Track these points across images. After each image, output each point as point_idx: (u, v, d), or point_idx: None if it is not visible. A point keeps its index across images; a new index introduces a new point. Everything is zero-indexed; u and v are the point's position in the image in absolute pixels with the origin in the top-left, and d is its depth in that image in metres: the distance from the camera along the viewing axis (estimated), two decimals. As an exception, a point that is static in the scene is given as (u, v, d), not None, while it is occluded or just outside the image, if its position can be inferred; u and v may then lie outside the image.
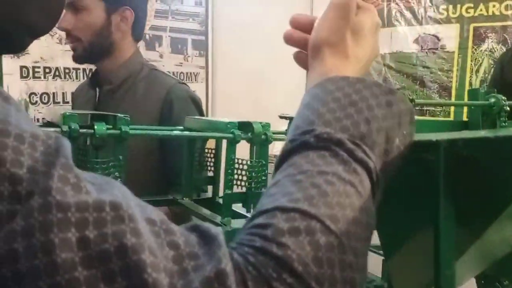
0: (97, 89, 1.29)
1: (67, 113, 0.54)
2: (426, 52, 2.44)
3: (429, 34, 2.43)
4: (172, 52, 3.04)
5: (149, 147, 1.19)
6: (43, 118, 0.65)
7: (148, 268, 0.28)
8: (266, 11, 2.96)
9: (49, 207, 0.29)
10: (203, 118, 0.83)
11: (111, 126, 0.59)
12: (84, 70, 2.38)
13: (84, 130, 0.55)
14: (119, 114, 0.60)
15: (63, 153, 0.32)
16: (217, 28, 3.28)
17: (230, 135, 0.65)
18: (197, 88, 3.27)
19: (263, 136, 0.68)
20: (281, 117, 0.62)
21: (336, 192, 0.35)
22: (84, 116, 0.59)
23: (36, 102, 2.27)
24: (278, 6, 2.89)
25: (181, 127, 0.79)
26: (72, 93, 1.53)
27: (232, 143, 0.66)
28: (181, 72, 3.13)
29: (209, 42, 3.28)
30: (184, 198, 0.79)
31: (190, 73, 3.20)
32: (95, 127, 0.56)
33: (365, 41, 0.47)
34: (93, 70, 1.34)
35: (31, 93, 2.25)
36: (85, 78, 2.36)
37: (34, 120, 2.27)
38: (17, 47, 0.52)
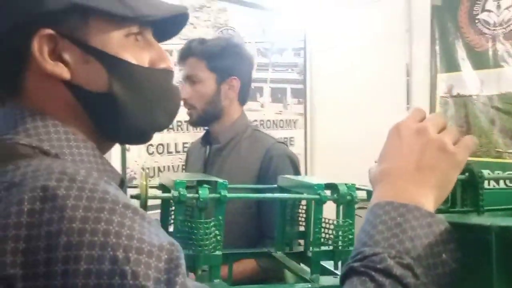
0: (208, 146, 1.46)
1: (177, 180, 0.65)
2: (539, 93, 2.27)
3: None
4: (272, 101, 3.21)
5: (248, 203, 1.29)
6: (160, 183, 0.77)
7: None
8: (362, 60, 3.00)
9: None
10: (295, 177, 0.90)
11: (213, 189, 0.69)
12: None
13: (191, 195, 0.66)
14: (220, 180, 0.69)
15: (181, 271, 0.43)
16: (315, 76, 3.40)
17: (317, 197, 0.71)
18: (296, 134, 3.39)
19: (348, 197, 0.72)
20: (357, 188, 0.66)
21: None
22: (190, 182, 0.70)
23: (153, 152, 2.55)
24: (373, 55, 2.92)
25: (274, 186, 0.87)
26: (187, 149, 1.73)
27: (319, 204, 0.72)
28: (281, 120, 3.28)
29: (307, 90, 3.40)
30: (277, 252, 0.86)
31: (289, 120, 3.34)
32: (200, 192, 0.66)
33: (442, 172, 0.50)
34: (205, 130, 1.51)
35: (149, 145, 2.53)
36: (194, 129, 2.60)
37: (151, 169, 2.53)
38: (146, 140, 0.65)
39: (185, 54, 1.41)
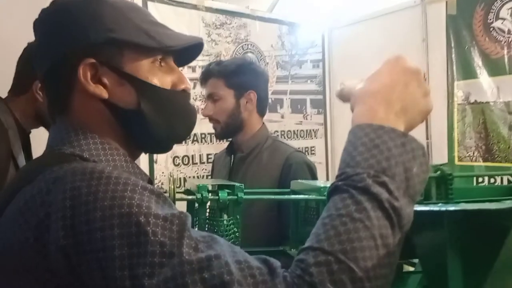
0: (232, 156, 1.61)
1: (200, 185, 0.76)
2: (556, 98, 2.29)
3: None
4: (292, 112, 3.30)
5: (270, 206, 1.39)
6: (185, 189, 0.88)
7: (235, 283, 0.49)
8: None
9: (183, 263, 0.51)
10: (306, 181, 0.99)
11: (231, 192, 0.79)
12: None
13: (212, 197, 0.76)
14: (237, 184, 0.79)
15: (187, 226, 0.55)
16: (334, 87, 3.47)
17: (324, 197, 0.80)
18: (317, 144, 3.46)
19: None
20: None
21: (346, 231, 0.50)
22: (213, 185, 0.80)
23: (179, 164, 2.67)
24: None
25: (288, 190, 0.96)
26: (213, 159, 1.87)
27: (325, 204, 0.80)
28: (301, 130, 3.36)
29: (327, 100, 3.48)
30: (291, 249, 0.95)
31: (310, 130, 3.42)
32: (220, 194, 0.76)
33: (410, 101, 0.59)
34: (230, 141, 1.64)
35: (175, 156, 2.66)
36: (217, 141, 2.72)
37: (177, 179, 2.66)
38: (167, 150, 0.78)
39: (206, 76, 1.56)
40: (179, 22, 2.68)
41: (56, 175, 0.58)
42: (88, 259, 0.53)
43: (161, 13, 2.60)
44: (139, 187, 0.56)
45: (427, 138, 2.88)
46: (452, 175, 0.58)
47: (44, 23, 0.71)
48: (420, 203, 0.57)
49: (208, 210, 0.82)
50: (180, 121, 0.74)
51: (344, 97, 0.65)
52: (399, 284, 0.68)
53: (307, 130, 3.41)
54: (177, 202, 0.77)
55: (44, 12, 0.72)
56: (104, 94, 0.68)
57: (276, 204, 1.39)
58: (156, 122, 0.70)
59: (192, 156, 2.74)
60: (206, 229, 0.78)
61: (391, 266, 0.50)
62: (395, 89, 0.59)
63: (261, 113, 1.60)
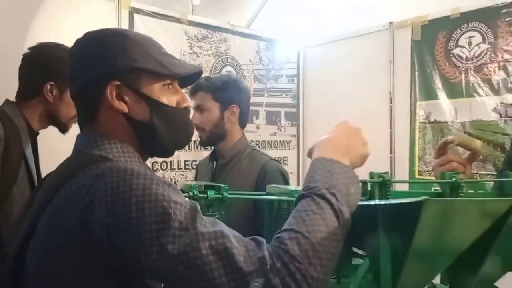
0: (214, 162, 1.79)
1: (191, 185, 0.90)
2: (505, 120, 2.54)
3: (508, 104, 2.54)
4: (267, 124, 3.47)
5: (247, 206, 1.55)
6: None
7: (236, 253, 0.67)
8: (350, 87, 3.27)
9: (197, 234, 0.69)
10: (279, 185, 1.15)
11: (217, 192, 0.94)
12: (194, 141, 2.86)
13: (201, 195, 0.91)
14: (222, 185, 0.94)
15: (198, 209, 0.72)
16: (307, 101, 3.67)
17: (293, 199, 0.96)
18: (289, 154, 3.64)
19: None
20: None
21: (309, 220, 0.70)
22: (200, 186, 0.95)
23: (157, 169, 2.79)
24: (360, 83, 3.20)
25: (263, 193, 1.11)
26: (197, 165, 2.07)
27: (295, 205, 0.96)
28: (275, 141, 3.53)
29: (300, 113, 3.67)
30: (265, 244, 1.10)
31: (283, 141, 3.59)
32: (208, 193, 0.91)
33: (352, 147, 0.81)
34: (212, 149, 1.81)
35: (154, 162, 2.77)
36: (195, 149, 2.86)
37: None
38: (170, 155, 0.96)
39: (195, 89, 1.74)
40: (163, 34, 2.81)
41: (96, 172, 0.74)
42: (125, 233, 0.69)
43: (146, 25, 2.74)
44: (160, 181, 0.73)
45: (391, 153, 3.10)
46: (390, 180, 0.75)
47: (80, 51, 0.88)
48: (364, 201, 0.74)
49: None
50: (182, 132, 0.92)
51: (310, 153, 0.86)
52: (351, 272, 0.85)
53: (280, 141, 3.58)
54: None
55: (79, 41, 0.89)
56: (125, 109, 0.85)
57: (253, 206, 1.54)
58: (164, 133, 0.87)
59: (171, 162, 2.86)
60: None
61: (337, 249, 0.70)
62: (342, 139, 0.82)
63: (242, 125, 1.79)
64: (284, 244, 0.68)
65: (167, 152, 0.95)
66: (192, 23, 2.97)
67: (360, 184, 0.78)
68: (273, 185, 1.13)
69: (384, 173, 0.80)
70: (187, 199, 0.74)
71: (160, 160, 2.80)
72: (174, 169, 2.85)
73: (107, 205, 0.69)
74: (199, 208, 0.74)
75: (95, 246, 0.70)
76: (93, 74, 0.84)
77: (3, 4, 2.26)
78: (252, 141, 3.31)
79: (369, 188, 0.83)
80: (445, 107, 2.81)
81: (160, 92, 0.87)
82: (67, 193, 0.74)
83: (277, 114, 3.55)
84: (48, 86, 1.43)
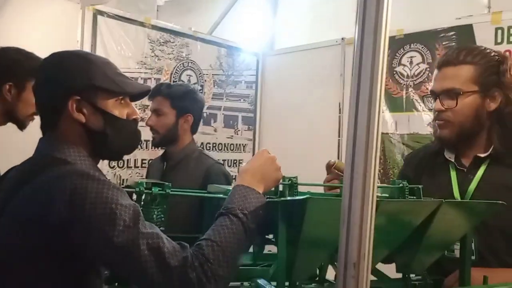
0: (165, 163, 1.95)
1: (139, 181, 1.04)
2: (438, 134, 2.81)
3: (441, 119, 2.81)
4: (224, 127, 3.62)
5: (193, 204, 1.70)
6: (126, 185, 1.19)
7: (166, 252, 0.86)
8: (303, 96, 3.47)
9: (138, 233, 0.86)
10: (219, 185, 1.30)
11: (161, 188, 1.08)
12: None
13: (146, 191, 1.05)
14: (166, 183, 1.09)
15: (140, 212, 0.87)
16: (264, 107, 3.85)
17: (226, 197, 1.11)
18: (244, 157, 3.80)
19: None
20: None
21: (223, 233, 0.91)
22: (148, 183, 1.09)
23: (114, 166, 2.88)
24: (313, 93, 3.41)
25: (205, 191, 1.27)
26: (149, 164, 2.19)
27: (229, 202, 1.12)
28: (232, 144, 3.69)
29: (257, 118, 3.84)
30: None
31: (240, 144, 3.75)
32: (152, 189, 1.05)
33: (266, 175, 1.01)
34: (164, 150, 1.96)
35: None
36: (152, 148, 2.98)
37: (113, 180, 2.87)
38: (119, 159, 1.13)
39: (155, 93, 1.89)
40: (126, 37, 2.92)
41: (58, 174, 0.89)
42: (79, 227, 0.86)
43: (109, 28, 2.83)
44: (111, 186, 0.89)
45: (338, 159, 3.31)
46: (296, 183, 0.93)
47: (48, 68, 1.03)
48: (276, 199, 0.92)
49: (142, 202, 1.11)
50: (129, 140, 1.10)
51: None
52: (272, 259, 1.02)
53: (237, 144, 3.73)
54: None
55: (46, 61, 1.04)
56: (83, 119, 1.01)
57: (198, 204, 1.69)
58: (114, 140, 1.03)
59: (128, 160, 2.95)
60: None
61: (241, 252, 0.94)
62: (257, 169, 1.02)
63: (193, 132, 1.98)
64: (202, 249, 0.88)
65: (116, 157, 1.14)
66: (155, 27, 3.09)
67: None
68: (214, 185, 1.29)
69: (293, 177, 0.97)
70: (132, 202, 0.89)
71: (124, 158, 2.90)
72: (131, 167, 2.95)
73: (66, 203, 0.85)
74: (141, 211, 0.90)
75: (51, 233, 0.85)
76: (57, 89, 0.99)
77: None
78: (209, 143, 3.46)
79: (280, 188, 1.01)
80: (387, 119, 3.05)
81: (113, 106, 1.03)
82: (33, 187, 0.89)
83: (234, 118, 3.70)
84: (7, 86, 1.54)
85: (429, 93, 1.38)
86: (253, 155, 3.97)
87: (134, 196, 1.07)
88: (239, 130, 3.74)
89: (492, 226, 1.20)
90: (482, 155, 1.30)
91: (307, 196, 0.76)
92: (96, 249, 0.86)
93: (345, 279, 0.53)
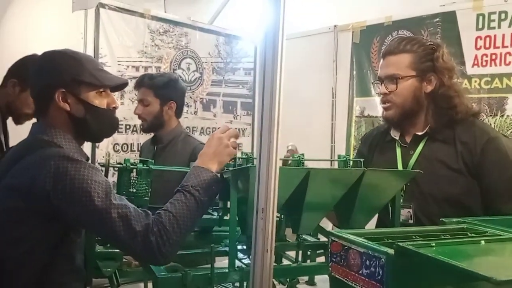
0: (155, 146, 2.15)
1: (125, 158, 1.23)
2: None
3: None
4: (224, 112, 3.79)
5: (179, 179, 1.89)
6: (118, 163, 1.36)
7: (132, 219, 1.07)
8: (301, 80, 3.60)
9: (110, 204, 1.07)
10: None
11: (146, 164, 1.27)
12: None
13: (133, 166, 1.23)
14: (150, 160, 1.27)
15: (111, 187, 1.08)
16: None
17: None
18: (244, 141, 3.97)
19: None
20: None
21: (178, 205, 1.10)
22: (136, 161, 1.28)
23: (118, 150, 3.09)
24: (309, 79, 3.55)
25: (185, 167, 1.45)
26: (141, 147, 2.36)
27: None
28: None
29: (256, 103, 4.00)
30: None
31: (239, 128, 3.92)
32: (138, 164, 1.24)
33: (217, 153, 1.18)
34: (154, 134, 2.17)
35: (115, 143, 3.07)
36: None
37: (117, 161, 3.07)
38: (100, 141, 1.38)
39: (139, 84, 2.12)
40: (127, 28, 3.09)
41: (44, 154, 1.08)
42: (61, 198, 1.05)
43: (111, 19, 3.00)
44: (87, 166, 1.08)
45: (332, 143, 3.48)
46: (252, 158, 1.12)
47: (39, 64, 1.22)
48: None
49: (132, 176, 1.30)
50: (107, 126, 1.28)
51: None
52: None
53: (236, 129, 3.90)
54: (110, 169, 1.25)
55: (39, 57, 1.23)
56: (67, 108, 1.19)
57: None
58: (93, 126, 1.22)
59: (131, 144, 3.16)
60: (130, 187, 1.26)
61: (193, 223, 1.13)
62: (209, 150, 1.19)
63: (178, 116, 2.19)
64: (161, 217, 1.08)
65: (96, 140, 1.39)
66: (154, 18, 3.25)
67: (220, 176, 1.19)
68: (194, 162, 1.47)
69: (249, 152, 1.15)
70: (104, 179, 1.10)
71: (121, 142, 3.11)
72: (134, 150, 3.15)
73: (50, 179, 1.05)
74: (111, 186, 1.10)
75: (36, 200, 1.06)
76: (46, 82, 1.19)
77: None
78: (209, 128, 3.65)
79: (239, 162, 1.19)
80: (377, 103, 3.19)
81: (94, 97, 1.21)
82: (24, 164, 1.10)
83: (233, 104, 3.87)
84: (12, 82, 1.76)
85: (377, 79, 1.54)
86: (252, 139, 4.17)
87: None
88: (238, 115, 3.91)
89: (426, 193, 1.38)
90: (420, 133, 1.47)
91: (250, 165, 0.95)
92: (75, 216, 1.06)
93: (256, 221, 0.71)
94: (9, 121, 1.84)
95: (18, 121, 1.81)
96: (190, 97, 3.52)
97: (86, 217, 1.06)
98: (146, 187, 1.25)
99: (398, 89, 1.43)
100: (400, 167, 1.44)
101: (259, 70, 0.73)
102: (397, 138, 1.53)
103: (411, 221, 1.35)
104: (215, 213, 1.33)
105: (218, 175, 1.16)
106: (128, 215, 1.05)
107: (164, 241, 1.05)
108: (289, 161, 1.28)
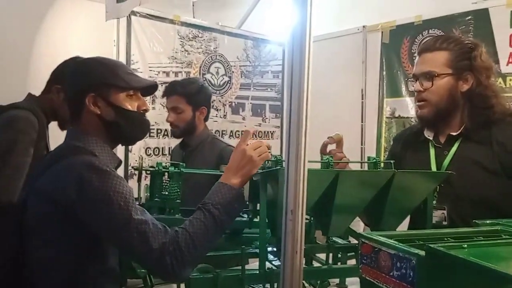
0: (184, 150, 2.23)
1: (158, 162, 1.26)
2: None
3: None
4: (252, 115, 3.82)
5: (210, 183, 1.92)
6: (150, 166, 1.37)
7: (150, 236, 1.07)
8: (329, 82, 3.57)
9: (130, 218, 1.08)
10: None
11: (177, 167, 1.30)
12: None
13: (165, 170, 1.27)
14: (181, 163, 1.30)
15: (133, 200, 1.12)
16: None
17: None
18: (272, 143, 3.98)
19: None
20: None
21: (197, 224, 1.11)
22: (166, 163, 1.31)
23: (150, 154, 3.16)
24: (337, 81, 3.53)
25: (216, 170, 1.47)
26: (171, 151, 2.50)
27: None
28: (260, 131, 3.88)
29: (284, 106, 4.01)
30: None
31: (267, 131, 3.94)
32: (169, 168, 1.27)
33: (240, 167, 1.18)
34: (182, 139, 2.27)
35: (147, 147, 3.14)
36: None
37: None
38: (132, 145, 1.37)
39: (171, 92, 2.17)
40: (158, 34, 3.16)
41: (72, 162, 1.11)
42: (84, 209, 1.08)
43: (142, 26, 3.08)
44: (112, 176, 1.10)
45: (362, 144, 3.44)
46: (281, 160, 1.12)
47: (71, 71, 1.28)
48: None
49: (164, 179, 1.33)
50: (138, 129, 1.29)
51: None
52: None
53: (265, 131, 3.93)
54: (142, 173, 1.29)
55: (72, 64, 1.28)
56: (98, 112, 1.21)
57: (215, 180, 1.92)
58: (124, 129, 1.23)
59: (162, 148, 3.22)
60: (162, 189, 1.29)
61: (210, 244, 1.13)
62: (233, 164, 1.19)
63: (206, 120, 2.25)
64: (177, 237, 1.09)
65: (129, 142, 1.41)
66: (184, 24, 3.31)
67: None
68: (225, 165, 1.49)
69: (278, 155, 1.16)
70: (127, 190, 1.11)
71: (153, 146, 3.18)
72: (166, 154, 3.21)
73: (75, 188, 1.08)
74: (134, 198, 1.12)
75: (62, 208, 1.09)
76: (77, 87, 1.23)
77: (18, 9, 2.61)
78: (238, 131, 3.68)
79: (268, 164, 1.20)
80: (408, 104, 3.15)
81: (124, 100, 1.23)
82: (54, 171, 1.13)
83: (262, 107, 3.89)
84: (56, 88, 1.78)
85: (412, 77, 1.52)
86: (281, 141, 4.18)
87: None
88: (266, 118, 3.93)
89: (461, 195, 1.35)
90: (455, 133, 1.44)
91: (279, 167, 0.95)
92: (96, 226, 1.09)
93: (286, 223, 0.71)
94: (50, 126, 1.89)
95: (63, 127, 1.83)
96: (219, 100, 3.57)
97: (106, 228, 1.09)
98: (178, 190, 1.28)
99: (434, 86, 1.41)
100: (433, 168, 1.42)
101: (286, 72, 0.74)
102: (431, 138, 1.50)
103: (445, 223, 1.33)
104: (245, 215, 1.35)
105: (242, 190, 1.17)
106: (146, 231, 1.06)
107: (178, 262, 1.06)
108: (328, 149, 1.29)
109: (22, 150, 1.55)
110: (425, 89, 1.43)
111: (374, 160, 1.28)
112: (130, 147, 3.01)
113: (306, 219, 1.26)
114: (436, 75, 1.41)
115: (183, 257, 1.06)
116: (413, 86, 1.48)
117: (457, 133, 1.44)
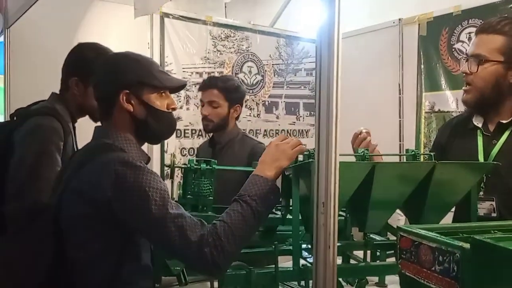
0: (213, 147, 2.22)
1: (189, 159, 1.25)
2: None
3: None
4: (286, 114, 3.78)
5: (241, 179, 1.89)
6: (183, 163, 1.36)
7: (187, 229, 1.07)
8: (366, 77, 3.50)
9: (167, 213, 1.07)
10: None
11: (208, 164, 1.28)
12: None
13: (197, 166, 1.25)
14: (212, 160, 1.29)
15: (168, 195, 1.11)
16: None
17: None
18: (307, 142, 3.92)
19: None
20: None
21: (234, 216, 1.10)
22: (197, 161, 1.30)
23: (185, 154, 3.18)
24: (373, 75, 3.44)
25: (247, 167, 1.45)
26: (197, 149, 2.52)
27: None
28: (294, 129, 3.84)
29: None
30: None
31: (302, 130, 3.89)
32: (201, 165, 1.26)
33: (274, 159, 1.17)
34: (210, 136, 2.28)
35: (182, 148, 3.16)
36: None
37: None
38: (159, 143, 1.36)
39: (209, 86, 2.16)
40: (191, 35, 3.18)
41: (105, 160, 1.11)
42: (120, 205, 1.07)
43: (175, 28, 3.11)
44: (146, 171, 1.10)
45: (400, 140, 3.34)
46: (313, 154, 1.09)
47: (104, 67, 1.26)
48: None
49: (194, 175, 1.32)
50: (167, 128, 1.28)
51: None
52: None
53: (299, 130, 3.88)
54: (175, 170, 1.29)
55: (104, 60, 1.27)
56: (131, 109, 1.20)
57: (246, 179, 1.90)
58: (155, 127, 1.23)
59: (197, 148, 3.23)
60: (193, 186, 1.28)
61: (249, 234, 1.12)
62: (267, 157, 1.19)
63: (237, 119, 2.25)
64: (216, 228, 1.08)
65: (156, 141, 1.36)
66: (216, 24, 3.32)
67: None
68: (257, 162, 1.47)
69: (311, 149, 1.12)
70: (162, 185, 1.10)
71: (188, 147, 3.20)
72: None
73: (110, 185, 1.07)
74: (169, 193, 1.12)
75: (99, 206, 1.09)
76: (111, 84, 1.21)
77: (57, 16, 2.69)
78: (272, 130, 3.66)
79: (301, 158, 1.16)
80: (448, 98, 3.02)
81: (155, 98, 1.22)
82: (88, 170, 1.12)
83: (296, 105, 3.85)
84: (74, 80, 1.63)
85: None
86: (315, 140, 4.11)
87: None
88: (301, 116, 3.88)
89: (510, 186, 1.26)
90: (505, 121, 1.35)
91: (311, 160, 0.91)
92: (133, 222, 1.09)
93: (317, 216, 0.68)
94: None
95: (95, 118, 1.65)
96: (253, 100, 3.55)
97: (143, 224, 1.08)
98: (210, 187, 1.27)
99: (479, 71, 1.34)
100: (480, 157, 1.34)
101: (316, 67, 0.72)
102: (480, 126, 1.42)
103: (494, 215, 1.25)
104: (279, 212, 1.32)
105: (276, 183, 1.15)
106: (184, 224, 1.06)
107: (219, 252, 1.05)
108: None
109: (50, 161, 1.52)
110: (471, 72, 1.35)
111: (413, 153, 1.22)
112: (165, 147, 3.05)
113: (342, 215, 1.22)
114: (485, 60, 1.33)
115: (223, 247, 1.05)
116: (462, 67, 1.41)
117: (508, 121, 1.35)
